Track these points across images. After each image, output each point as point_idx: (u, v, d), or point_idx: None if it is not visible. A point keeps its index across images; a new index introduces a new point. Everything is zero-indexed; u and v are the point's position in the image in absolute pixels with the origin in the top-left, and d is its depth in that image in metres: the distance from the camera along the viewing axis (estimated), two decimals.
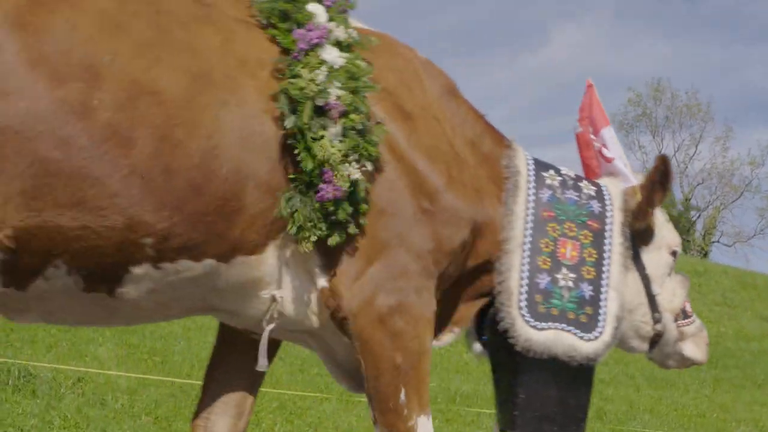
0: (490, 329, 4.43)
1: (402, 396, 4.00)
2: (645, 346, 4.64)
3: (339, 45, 3.95)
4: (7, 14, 3.53)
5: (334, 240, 3.81)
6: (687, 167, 59.57)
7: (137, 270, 3.71)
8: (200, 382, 4.59)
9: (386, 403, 4.01)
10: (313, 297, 3.99)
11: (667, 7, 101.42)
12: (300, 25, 3.90)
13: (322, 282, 3.93)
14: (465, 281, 4.36)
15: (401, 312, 3.97)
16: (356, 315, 3.93)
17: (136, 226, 3.60)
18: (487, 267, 4.33)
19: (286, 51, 3.88)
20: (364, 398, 4.18)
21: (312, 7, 3.96)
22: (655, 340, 4.62)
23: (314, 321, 4.05)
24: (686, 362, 4.78)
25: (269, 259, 3.88)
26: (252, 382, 4.50)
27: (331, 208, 3.77)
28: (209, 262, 3.77)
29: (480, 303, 4.43)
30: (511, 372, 4.36)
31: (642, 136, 61.42)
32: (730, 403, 15.56)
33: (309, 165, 3.74)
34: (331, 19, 3.97)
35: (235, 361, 4.48)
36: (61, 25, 3.58)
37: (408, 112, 4.09)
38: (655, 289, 4.56)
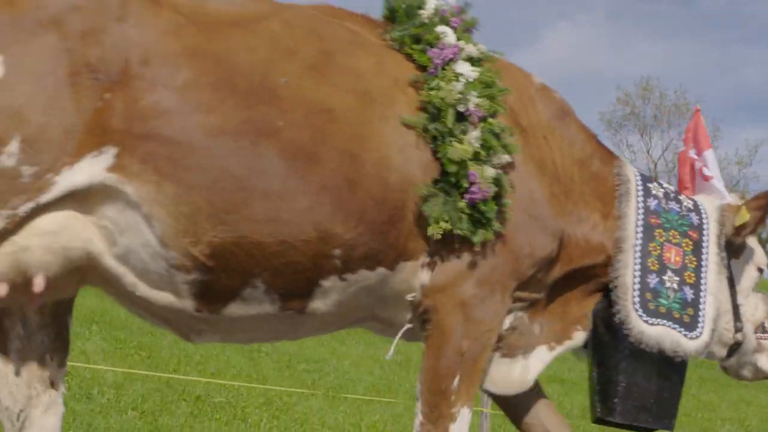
0: (593, 324, 4.75)
1: (455, 382, 4.21)
2: (724, 352, 4.94)
3: (471, 60, 4.32)
4: (186, 42, 3.85)
5: (479, 237, 4.11)
6: (675, 167, 59.74)
7: (326, 283, 4.00)
8: (187, 377, 4.62)
9: (438, 383, 4.20)
10: None
11: (658, 8, 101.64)
12: (432, 45, 4.30)
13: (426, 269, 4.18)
14: (575, 281, 4.69)
15: (484, 304, 4.23)
16: (438, 292, 4.17)
17: (328, 238, 3.89)
18: (591, 270, 4.67)
19: (422, 68, 4.25)
20: (350, 395, 4.20)
21: (441, 29, 4.35)
22: (734, 348, 4.92)
23: None
24: (759, 374, 5.08)
25: (420, 265, 4.16)
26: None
27: (483, 207, 4.09)
28: (381, 271, 4.07)
29: (595, 299, 4.75)
30: (614, 364, 4.70)
31: (630, 135, 61.64)
32: (716, 402, 15.65)
33: (452, 167, 4.06)
34: (458, 39, 4.36)
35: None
36: (240, 48, 3.92)
37: (523, 128, 4.42)
38: (740, 299, 4.90)
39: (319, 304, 4.06)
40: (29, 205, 3.66)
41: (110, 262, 3.84)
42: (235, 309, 3.96)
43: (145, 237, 3.77)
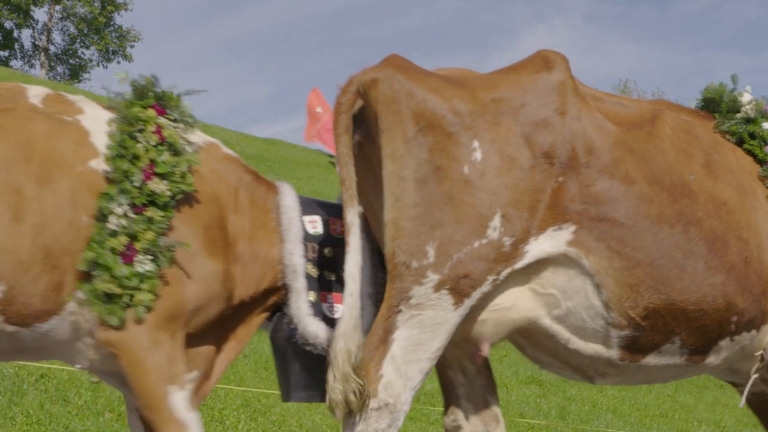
0: None
1: None
2: None
3: None
4: (614, 139, 4.58)
5: None
6: None
7: (722, 343, 4.88)
8: None
9: None
10: None
11: (634, 13, 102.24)
12: (765, 141, 5.16)
13: None
14: None
15: None
16: None
17: (731, 308, 4.77)
18: None
19: (754, 157, 5.12)
20: None
21: (767, 126, 5.21)
22: None
23: None
24: None
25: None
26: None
27: None
28: (753, 333, 4.96)
29: None
30: None
31: None
32: (693, 404, 15.72)
33: None
34: None
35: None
36: (652, 148, 4.68)
37: None
38: None
39: (712, 359, 4.93)
40: (507, 271, 4.42)
41: (547, 322, 4.63)
42: (651, 359, 4.79)
43: (590, 301, 4.56)
